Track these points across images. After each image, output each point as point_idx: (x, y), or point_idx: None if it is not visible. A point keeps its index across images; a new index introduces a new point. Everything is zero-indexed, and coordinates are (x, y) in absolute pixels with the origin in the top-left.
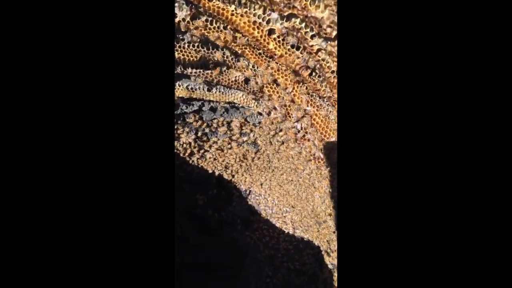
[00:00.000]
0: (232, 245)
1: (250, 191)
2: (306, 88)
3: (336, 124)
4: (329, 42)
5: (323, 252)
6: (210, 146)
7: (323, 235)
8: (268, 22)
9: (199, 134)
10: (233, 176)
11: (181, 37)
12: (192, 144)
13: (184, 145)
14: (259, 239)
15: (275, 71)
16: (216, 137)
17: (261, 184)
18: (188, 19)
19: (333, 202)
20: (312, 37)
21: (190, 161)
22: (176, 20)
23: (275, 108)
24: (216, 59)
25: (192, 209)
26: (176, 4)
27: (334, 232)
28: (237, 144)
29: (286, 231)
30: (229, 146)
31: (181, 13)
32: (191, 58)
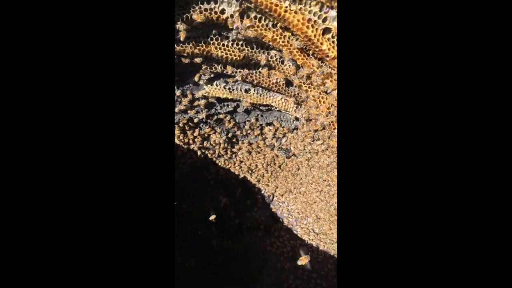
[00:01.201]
0: (252, 251)
1: (274, 197)
2: None
3: None
4: None
5: None
6: (240, 148)
7: None
8: (324, 20)
9: (230, 135)
10: (258, 180)
11: (226, 35)
12: (222, 145)
13: (214, 145)
14: (280, 248)
15: (323, 75)
16: (246, 139)
17: (286, 191)
18: (236, 15)
19: None
20: None
21: (217, 162)
22: (224, 16)
23: (317, 114)
24: (259, 59)
25: (213, 211)
26: (225, 0)
27: None
28: (268, 149)
29: (309, 242)
30: (258, 149)
31: (230, 9)
32: (234, 57)
